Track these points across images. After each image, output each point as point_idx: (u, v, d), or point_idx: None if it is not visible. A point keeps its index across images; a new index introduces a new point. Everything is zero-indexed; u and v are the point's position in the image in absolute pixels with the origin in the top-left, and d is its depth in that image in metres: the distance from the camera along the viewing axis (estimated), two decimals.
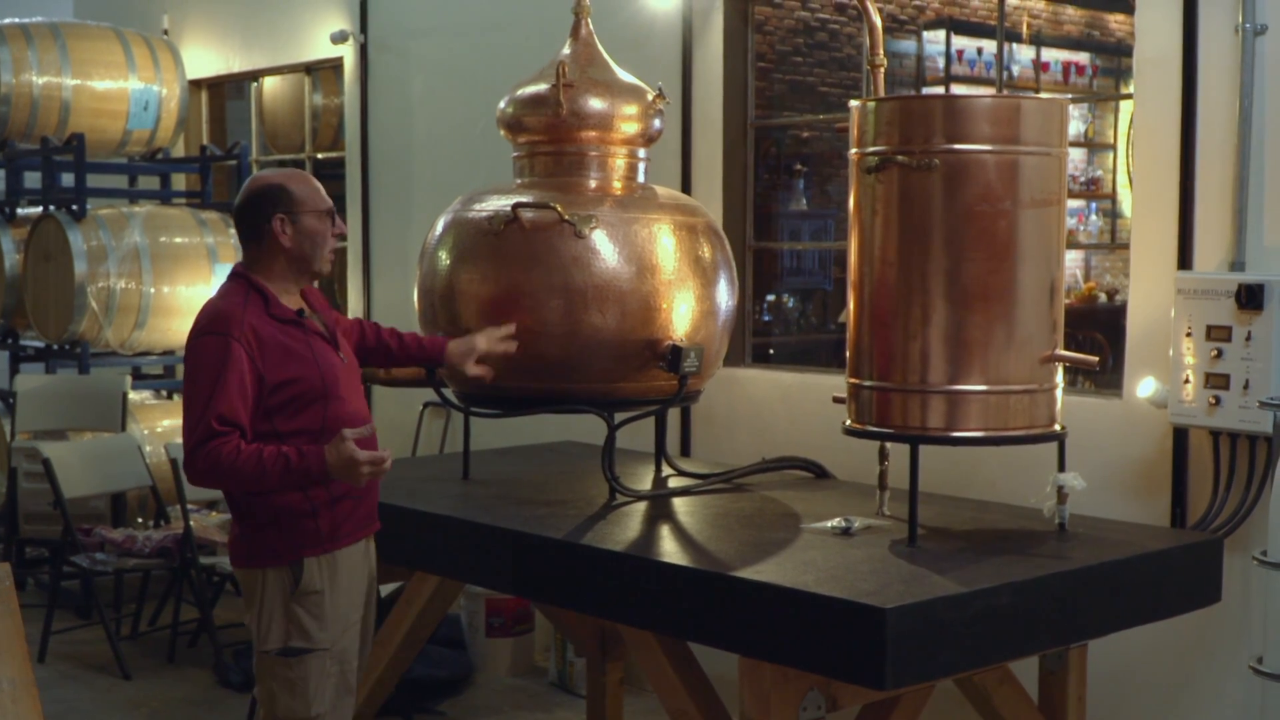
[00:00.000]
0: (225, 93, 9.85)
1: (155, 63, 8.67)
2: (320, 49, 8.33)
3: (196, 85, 9.45)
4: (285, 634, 3.91)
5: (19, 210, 8.63)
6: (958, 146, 3.86)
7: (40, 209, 8.27)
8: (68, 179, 8.19)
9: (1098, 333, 8.45)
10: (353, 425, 3.87)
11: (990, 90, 9.33)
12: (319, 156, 8.86)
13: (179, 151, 9.29)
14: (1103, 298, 9.75)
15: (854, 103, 4.11)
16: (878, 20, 4.57)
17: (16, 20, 8.44)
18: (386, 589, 5.84)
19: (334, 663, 3.95)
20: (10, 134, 8.35)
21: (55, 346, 8.16)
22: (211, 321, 3.86)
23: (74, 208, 7.96)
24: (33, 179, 8.52)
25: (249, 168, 8.72)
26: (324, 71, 8.75)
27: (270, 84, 9.20)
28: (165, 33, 9.38)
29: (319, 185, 4.02)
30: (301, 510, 3.89)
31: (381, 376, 4.99)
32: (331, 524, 3.93)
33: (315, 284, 4.15)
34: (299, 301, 4.02)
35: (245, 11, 9.07)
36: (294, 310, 3.96)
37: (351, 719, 4.08)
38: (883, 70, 4.55)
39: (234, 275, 4.00)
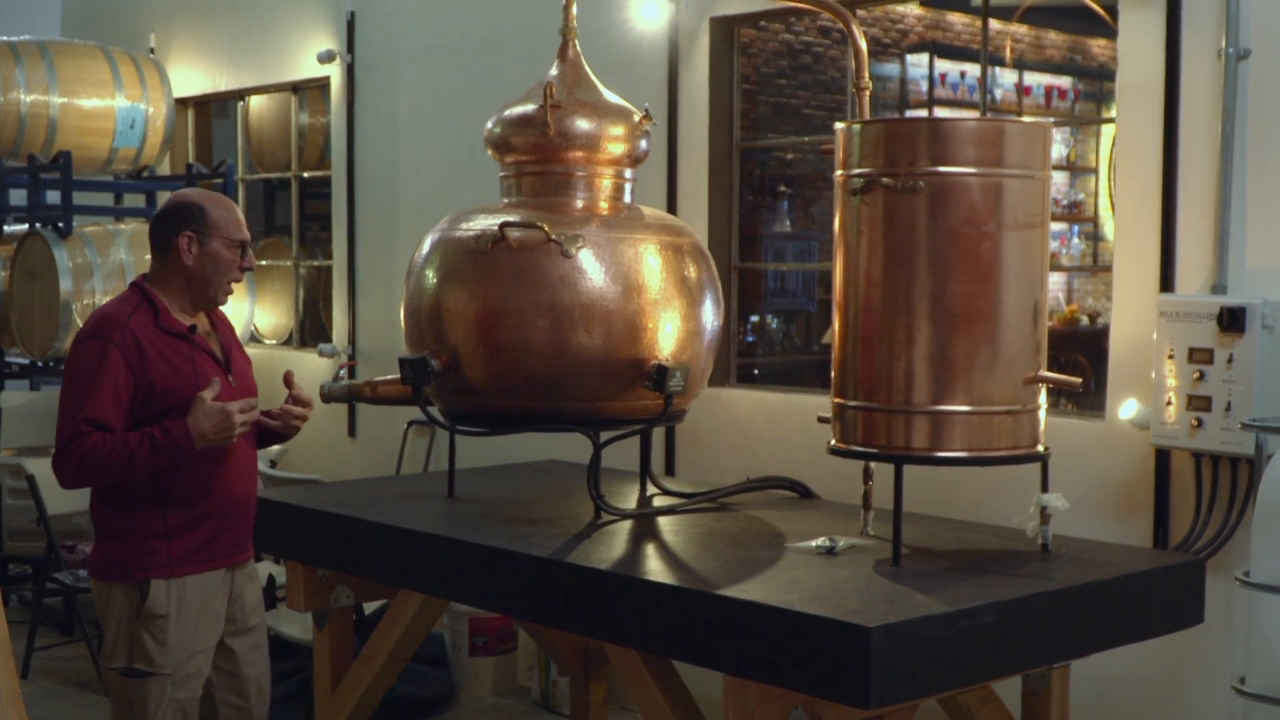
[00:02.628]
0: (211, 111, 9.86)
1: (142, 81, 8.67)
2: (307, 68, 8.35)
3: (183, 104, 9.45)
4: (129, 654, 3.92)
5: (5, 227, 8.62)
6: (942, 169, 3.87)
7: (26, 226, 8.27)
8: (54, 196, 8.20)
9: (1080, 355, 8.50)
10: (232, 447, 3.94)
11: (974, 113, 9.38)
12: (305, 175, 8.86)
13: (165, 170, 9.28)
14: (1085, 320, 9.80)
15: (839, 125, 4.12)
16: (863, 44, 4.60)
17: (4, 38, 8.44)
18: (370, 607, 5.85)
19: (176, 688, 3.95)
20: None
21: (40, 363, 8.15)
22: (95, 326, 3.90)
23: (60, 225, 7.96)
24: (18, 196, 8.52)
25: (235, 186, 8.72)
26: (310, 91, 8.76)
27: (257, 103, 9.21)
28: (152, 51, 9.39)
29: (239, 216, 4.07)
30: (154, 529, 3.91)
31: (367, 394, 5.00)
32: (184, 549, 3.95)
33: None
34: (193, 320, 4.04)
35: (232, 30, 9.08)
36: (185, 325, 3.98)
37: None
38: (868, 93, 4.59)
39: (132, 285, 4.05)
